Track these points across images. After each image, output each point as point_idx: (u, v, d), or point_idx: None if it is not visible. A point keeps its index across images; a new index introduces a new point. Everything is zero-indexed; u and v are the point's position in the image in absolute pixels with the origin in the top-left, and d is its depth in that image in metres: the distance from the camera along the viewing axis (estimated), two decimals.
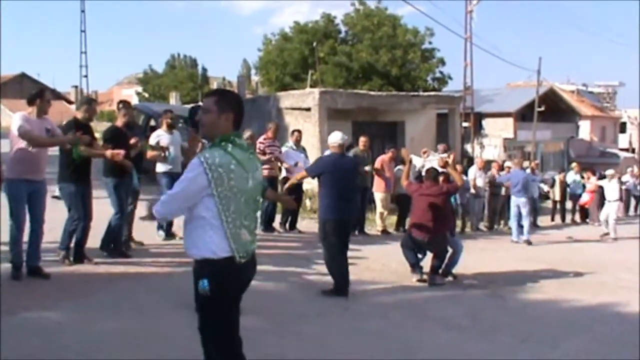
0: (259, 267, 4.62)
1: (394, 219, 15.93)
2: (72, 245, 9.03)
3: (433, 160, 11.39)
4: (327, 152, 10.03)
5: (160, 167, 11.17)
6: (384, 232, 15.06)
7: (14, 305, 7.04)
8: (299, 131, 14.39)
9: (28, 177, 7.95)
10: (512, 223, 16.75)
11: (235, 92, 4.94)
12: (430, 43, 43.37)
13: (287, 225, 13.89)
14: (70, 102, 62.18)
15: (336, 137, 9.29)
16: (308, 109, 19.71)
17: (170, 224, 11.24)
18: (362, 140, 14.50)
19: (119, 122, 10.01)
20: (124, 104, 10.52)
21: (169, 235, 11.33)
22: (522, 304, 9.32)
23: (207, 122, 4.30)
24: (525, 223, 16.27)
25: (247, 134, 12.57)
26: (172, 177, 10.69)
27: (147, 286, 8.20)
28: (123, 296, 7.85)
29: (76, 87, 61.25)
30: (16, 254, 8.08)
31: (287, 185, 9.80)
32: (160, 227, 11.33)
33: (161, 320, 7.00)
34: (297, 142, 13.98)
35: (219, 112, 4.25)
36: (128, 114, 10.13)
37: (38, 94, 8.22)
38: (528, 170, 18.95)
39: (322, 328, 7.40)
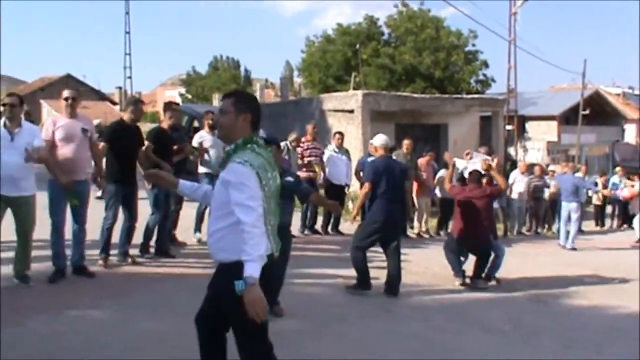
0: (302, 270, 4.63)
1: (435, 222, 15.85)
2: (110, 243, 9.13)
3: (476, 163, 11.29)
4: (370, 156, 10.01)
5: (202, 168, 11.22)
6: (423, 235, 14.98)
7: (59, 303, 7.18)
8: (341, 133, 14.38)
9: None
10: (561, 228, 16.47)
11: (252, 93, 4.84)
12: (473, 45, 43.14)
13: (330, 227, 13.91)
14: (114, 103, 62.97)
15: (382, 139, 9.32)
16: (351, 111, 19.71)
17: None
18: (406, 143, 14.41)
19: (165, 124, 10.06)
20: (171, 105, 10.56)
21: None
22: (566, 310, 9.21)
23: (226, 124, 4.25)
24: (573, 229, 16.02)
25: (292, 136, 12.63)
26: (213, 177, 10.76)
27: (188, 287, 8.24)
28: (164, 296, 7.92)
29: (120, 88, 61.99)
30: (55, 256, 8.14)
31: (354, 213, 9.67)
32: (197, 229, 11.35)
33: None
34: (340, 144, 13.97)
35: (236, 112, 4.20)
36: (174, 116, 10.18)
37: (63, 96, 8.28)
38: (578, 174, 18.72)
39: (363, 330, 7.37)
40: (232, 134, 4.22)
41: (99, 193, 9.92)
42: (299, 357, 5.98)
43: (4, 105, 7.49)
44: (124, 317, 7.02)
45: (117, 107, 61.08)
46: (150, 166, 9.14)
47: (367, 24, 44.94)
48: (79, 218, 8.28)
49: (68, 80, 62.52)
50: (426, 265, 11.13)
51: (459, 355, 6.89)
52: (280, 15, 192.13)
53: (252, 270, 3.88)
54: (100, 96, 66.28)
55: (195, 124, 19.67)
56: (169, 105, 10.49)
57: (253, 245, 3.91)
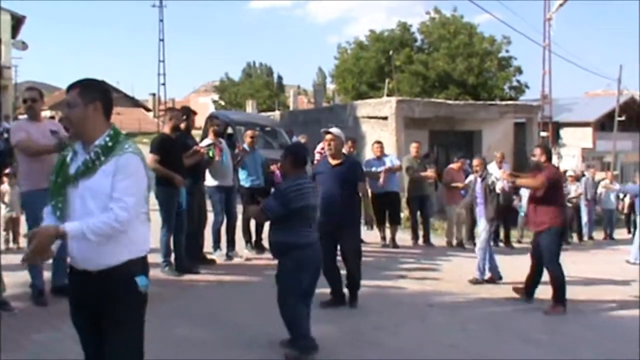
0: None
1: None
2: None
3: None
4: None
5: (211, 181, 10.45)
6: (456, 245, 14.84)
7: None
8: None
9: (44, 186, 6.65)
10: (636, 242, 15.01)
11: (99, 79, 4.13)
12: (507, 51, 42.99)
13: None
14: (148, 110, 63.50)
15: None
16: (385, 118, 19.70)
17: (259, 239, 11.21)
18: (414, 146, 14.63)
19: (166, 128, 9.43)
20: (168, 109, 10.42)
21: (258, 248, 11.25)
22: (605, 320, 9.06)
23: (75, 118, 3.83)
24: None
25: (302, 140, 12.49)
26: (222, 191, 10.54)
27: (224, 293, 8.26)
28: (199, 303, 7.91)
29: (154, 94, 62.35)
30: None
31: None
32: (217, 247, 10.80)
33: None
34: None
35: (84, 103, 3.79)
36: (174, 117, 9.41)
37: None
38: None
39: (399, 339, 7.31)
40: (85, 127, 3.82)
41: None
42: None
43: None
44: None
45: (151, 114, 61.55)
46: (162, 179, 8.83)
47: (400, 31, 44.96)
48: None
49: None
50: (460, 273, 11.03)
51: None
52: (313, 23, 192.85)
53: (75, 231, 3.60)
54: (134, 103, 66.87)
55: (230, 130, 19.75)
56: (167, 110, 10.40)
57: (98, 233, 3.62)
